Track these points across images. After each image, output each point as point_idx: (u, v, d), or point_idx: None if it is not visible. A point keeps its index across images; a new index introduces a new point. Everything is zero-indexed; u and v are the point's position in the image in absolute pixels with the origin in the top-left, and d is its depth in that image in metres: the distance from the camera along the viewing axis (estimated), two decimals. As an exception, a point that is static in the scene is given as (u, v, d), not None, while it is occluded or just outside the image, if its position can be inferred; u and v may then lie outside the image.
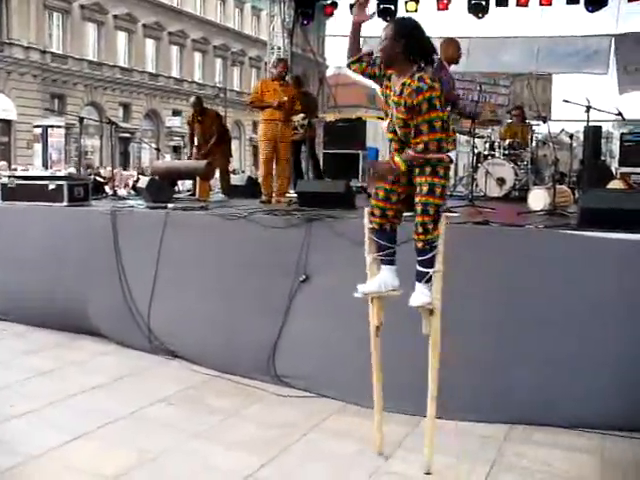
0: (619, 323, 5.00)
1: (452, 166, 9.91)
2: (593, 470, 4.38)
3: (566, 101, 8.26)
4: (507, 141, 11.15)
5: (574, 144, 10.70)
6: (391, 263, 4.25)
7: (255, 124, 45.74)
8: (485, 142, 11.44)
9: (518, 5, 14.77)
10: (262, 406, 5.50)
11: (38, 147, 29.56)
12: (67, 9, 35.47)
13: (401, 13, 15.41)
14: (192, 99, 10.97)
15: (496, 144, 11.24)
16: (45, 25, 34.58)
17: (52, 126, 28.46)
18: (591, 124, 9.24)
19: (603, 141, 15.03)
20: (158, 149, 26.90)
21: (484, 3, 14.78)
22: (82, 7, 36.07)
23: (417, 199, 4.00)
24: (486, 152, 11.17)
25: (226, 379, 6.08)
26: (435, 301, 4.08)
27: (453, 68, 7.76)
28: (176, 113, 41.95)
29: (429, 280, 4.07)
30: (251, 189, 10.41)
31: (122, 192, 12.82)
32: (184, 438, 4.75)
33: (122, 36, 39.56)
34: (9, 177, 8.60)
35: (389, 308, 4.37)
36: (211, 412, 5.30)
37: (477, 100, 10.89)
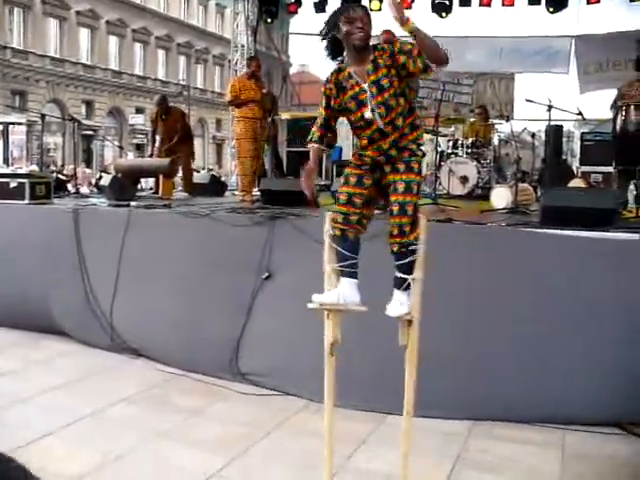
0: (580, 318, 5.07)
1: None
2: (555, 464, 4.44)
3: (529, 100, 8.35)
4: (470, 140, 11.24)
5: (536, 143, 10.83)
6: (352, 276, 3.76)
7: (219, 122, 45.70)
8: (448, 141, 11.51)
9: (481, 5, 14.91)
10: (226, 405, 5.49)
11: (-1, 144, 29.17)
12: (28, 4, 34.97)
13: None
14: (157, 97, 10.98)
15: (459, 143, 11.32)
16: (5, 20, 34.09)
17: (13, 123, 28.08)
18: (553, 123, 9.36)
19: (564, 140, 15.24)
20: (121, 147, 26.74)
21: (447, 3, 14.90)
22: (44, 2, 35.58)
23: (392, 198, 3.65)
24: (449, 150, 11.26)
25: (190, 378, 6.06)
26: (414, 311, 3.70)
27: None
28: (139, 111, 41.62)
29: (407, 287, 3.70)
30: (214, 187, 10.40)
31: (85, 190, 12.71)
32: (148, 437, 4.73)
33: (84, 32, 39.11)
34: (-31, 175, 8.49)
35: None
36: (175, 411, 5.27)
37: (440, 99, 10.98)
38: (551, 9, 14.44)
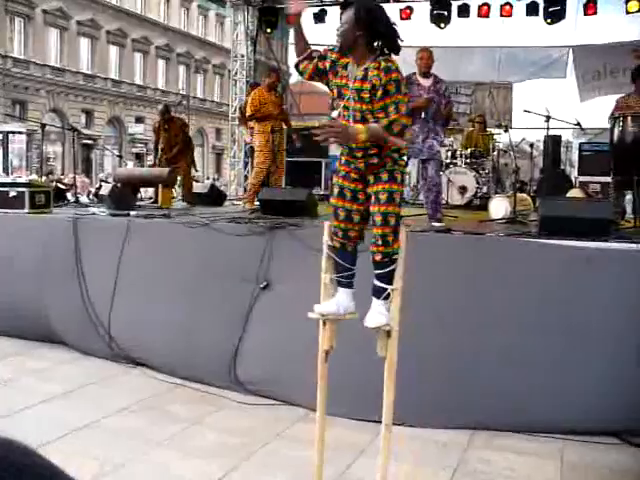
0: (577, 328, 5.08)
1: (414, 174, 9.88)
2: (554, 474, 4.44)
3: (527, 111, 8.37)
4: (469, 150, 11.27)
5: (534, 153, 10.88)
6: (349, 286, 3.83)
7: (218, 131, 45.74)
8: (447, 151, 11.55)
9: (479, 16, 14.98)
10: (224, 414, 5.49)
11: (-1, 153, 29.17)
12: (29, 14, 35.06)
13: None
14: (160, 107, 11.00)
15: (458, 153, 11.35)
16: (6, 30, 34.16)
17: (13, 132, 28.08)
18: (551, 133, 9.38)
19: (563, 150, 15.26)
20: (120, 156, 26.72)
21: (446, 13, 14.95)
22: (45, 12, 35.67)
23: (374, 209, 3.65)
24: (448, 160, 11.28)
25: (188, 387, 6.07)
26: (392, 322, 3.65)
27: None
28: (139, 120, 41.68)
29: (387, 297, 3.68)
30: (214, 197, 10.41)
31: (84, 199, 12.72)
32: (146, 447, 4.73)
33: (85, 42, 39.19)
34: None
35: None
36: (173, 420, 5.27)
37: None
38: (549, 20, 14.50)
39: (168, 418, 5.34)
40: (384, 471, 3.75)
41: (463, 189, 10.48)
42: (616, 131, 6.87)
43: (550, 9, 14.41)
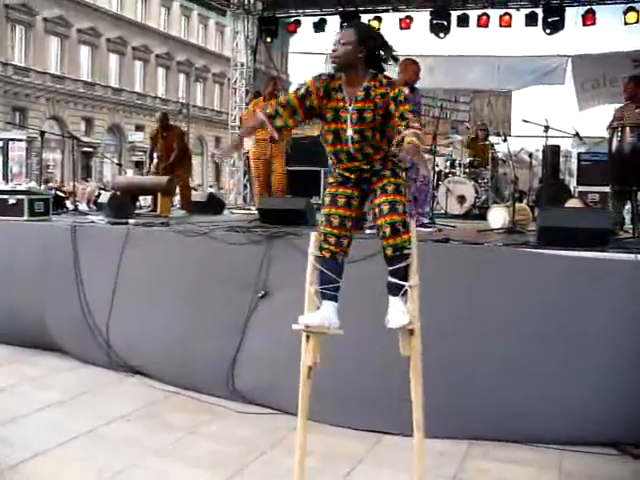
0: (576, 338, 5.07)
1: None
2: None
3: (525, 121, 8.38)
4: (468, 159, 11.29)
5: (533, 162, 10.88)
6: (334, 299, 3.72)
7: (218, 140, 45.78)
8: (446, 160, 11.57)
9: (479, 26, 15.04)
10: (222, 423, 5.48)
11: (-2, 160, 29.14)
12: (30, 22, 35.13)
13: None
14: (158, 114, 10.99)
15: (457, 162, 11.36)
16: (7, 38, 34.24)
17: (13, 139, 28.05)
18: (550, 142, 9.38)
19: (562, 160, 15.31)
20: (120, 164, 26.70)
21: (445, 23, 15.03)
22: (45, 20, 35.76)
23: (381, 199, 3.64)
24: (447, 170, 11.30)
25: (186, 395, 6.06)
26: (414, 320, 3.63)
27: (419, 85, 7.77)
28: (139, 128, 41.71)
29: (404, 294, 3.63)
30: (213, 205, 10.41)
31: (83, 207, 12.73)
32: (143, 456, 4.72)
33: (85, 50, 39.28)
34: (-32, 191, 8.48)
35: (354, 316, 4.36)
36: (170, 429, 5.26)
37: (438, 117, 11.04)
38: (548, 31, 14.57)
39: (166, 427, 5.32)
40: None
41: (462, 199, 10.48)
42: (614, 141, 6.88)
43: (549, 19, 14.50)
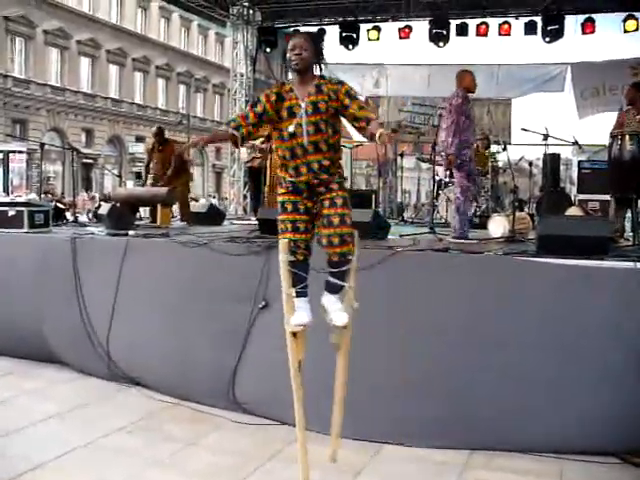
0: (576, 347, 5.05)
1: (414, 193, 9.95)
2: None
3: (524, 129, 8.39)
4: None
5: (534, 171, 10.88)
6: (306, 295, 4.24)
7: (218, 150, 45.84)
8: (446, 169, 11.54)
9: (478, 35, 15.07)
10: (221, 434, 5.47)
11: (-1, 172, 29.17)
12: (30, 34, 35.23)
13: (363, 41, 15.74)
14: (154, 128, 10.97)
15: (457, 171, 11.32)
16: (7, 50, 34.33)
17: (13, 151, 28.12)
18: (550, 151, 9.39)
19: (562, 168, 15.29)
20: (120, 176, 26.73)
21: (445, 32, 15.05)
22: (45, 32, 35.86)
23: (331, 212, 3.97)
24: (447, 179, 11.28)
25: (185, 406, 6.04)
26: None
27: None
28: (139, 139, 41.74)
29: (341, 292, 4.10)
30: (212, 216, 10.38)
31: (83, 218, 12.71)
32: (143, 467, 4.71)
33: (85, 62, 39.38)
34: (-32, 203, 8.48)
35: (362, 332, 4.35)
36: (170, 440, 5.24)
37: (437, 125, 11.04)
38: (547, 39, 14.60)
39: (165, 438, 5.31)
40: None
41: (462, 207, 10.45)
42: (614, 149, 6.87)
43: (549, 28, 14.53)
